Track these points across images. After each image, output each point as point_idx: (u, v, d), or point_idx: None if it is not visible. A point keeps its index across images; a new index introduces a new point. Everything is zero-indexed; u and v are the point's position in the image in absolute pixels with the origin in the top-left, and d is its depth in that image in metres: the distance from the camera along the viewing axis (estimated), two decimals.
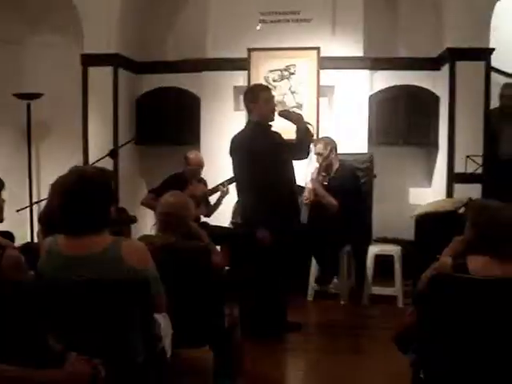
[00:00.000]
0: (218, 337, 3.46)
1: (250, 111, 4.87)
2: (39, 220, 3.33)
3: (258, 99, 4.75)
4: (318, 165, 5.79)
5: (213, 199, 6.06)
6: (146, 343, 2.50)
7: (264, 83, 6.51)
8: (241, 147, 4.73)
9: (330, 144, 5.79)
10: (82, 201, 2.40)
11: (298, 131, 4.82)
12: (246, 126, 4.93)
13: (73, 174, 2.47)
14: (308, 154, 5.04)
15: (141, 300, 2.43)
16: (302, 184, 5.94)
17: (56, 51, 7.45)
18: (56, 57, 7.45)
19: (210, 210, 6.07)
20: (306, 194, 5.76)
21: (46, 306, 2.41)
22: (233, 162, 4.81)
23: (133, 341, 2.42)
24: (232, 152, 4.77)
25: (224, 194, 5.84)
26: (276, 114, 4.80)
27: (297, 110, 6.46)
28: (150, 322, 2.61)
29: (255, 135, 4.74)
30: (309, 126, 4.87)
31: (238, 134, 4.89)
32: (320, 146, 5.76)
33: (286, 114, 4.84)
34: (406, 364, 2.86)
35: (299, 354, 4.64)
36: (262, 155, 4.62)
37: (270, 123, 4.81)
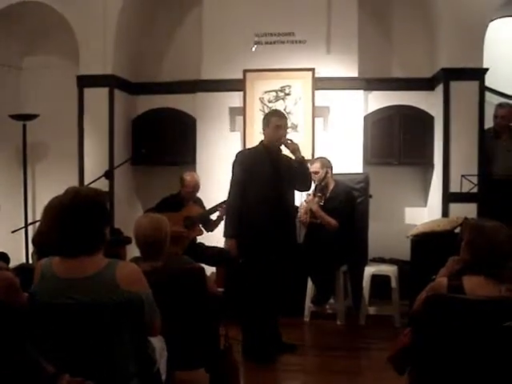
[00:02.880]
0: (213, 358, 3.44)
1: (263, 134, 5.01)
2: (33, 242, 3.31)
3: (269, 124, 4.91)
4: (313, 183, 5.79)
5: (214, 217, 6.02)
6: (140, 366, 2.48)
7: (259, 104, 6.59)
8: (234, 162, 4.92)
9: (326, 164, 5.81)
10: (76, 222, 2.39)
11: (295, 161, 4.97)
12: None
13: (68, 195, 2.46)
14: (309, 188, 5.16)
15: (135, 323, 2.41)
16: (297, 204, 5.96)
17: (52, 72, 7.47)
18: (52, 78, 7.47)
19: (211, 225, 6.00)
20: (301, 214, 5.76)
21: (39, 328, 2.40)
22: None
23: (126, 363, 2.40)
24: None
25: (222, 213, 5.78)
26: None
27: (292, 131, 6.53)
28: (145, 345, 2.59)
29: (254, 154, 4.94)
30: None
31: (243, 150, 5.13)
32: (317, 165, 5.78)
33: (284, 143, 4.93)
34: None
35: (295, 374, 4.61)
36: (250, 173, 4.82)
37: (279, 147, 4.95)
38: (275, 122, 4.88)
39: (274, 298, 4.88)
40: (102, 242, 2.46)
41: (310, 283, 5.89)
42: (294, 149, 4.90)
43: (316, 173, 5.75)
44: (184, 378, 3.80)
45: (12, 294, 2.52)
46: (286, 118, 5.04)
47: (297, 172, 4.92)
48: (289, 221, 4.96)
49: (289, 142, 4.92)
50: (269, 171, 4.83)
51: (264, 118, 5.01)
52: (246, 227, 4.76)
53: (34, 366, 2.20)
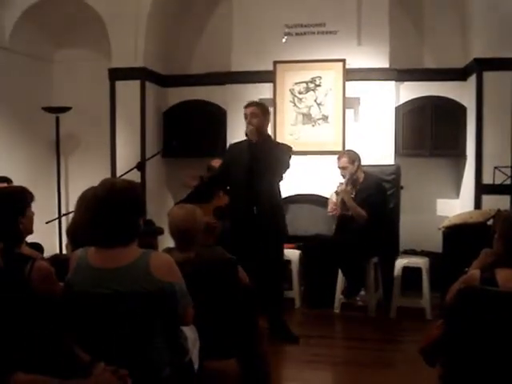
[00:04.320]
0: (245, 348, 3.46)
1: None
2: (67, 232, 3.36)
3: None
4: (342, 179, 5.77)
5: None
6: (173, 355, 2.51)
7: (290, 95, 6.61)
8: None
9: (355, 158, 5.77)
10: (112, 214, 2.43)
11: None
12: None
13: (104, 187, 2.50)
14: (277, 173, 4.99)
15: (167, 312, 2.44)
16: (327, 196, 5.98)
17: (84, 66, 7.58)
18: (84, 71, 7.57)
19: None
20: (331, 205, 5.77)
21: (74, 317, 2.44)
22: None
23: (159, 352, 2.43)
24: None
25: None
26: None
27: (323, 122, 6.54)
28: (177, 335, 2.62)
29: (237, 146, 5.18)
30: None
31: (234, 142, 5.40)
32: (344, 160, 5.75)
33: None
34: (433, 377, 2.84)
35: (325, 366, 4.62)
36: (229, 164, 5.12)
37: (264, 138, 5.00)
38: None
39: (266, 289, 4.90)
40: (137, 233, 2.50)
41: (340, 275, 5.88)
42: (250, 132, 4.90)
43: (344, 168, 5.73)
44: (215, 368, 3.84)
45: (48, 284, 2.57)
46: (252, 105, 5.04)
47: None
48: (265, 212, 4.91)
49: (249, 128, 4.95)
50: (244, 163, 4.89)
51: None
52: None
53: (69, 355, 2.24)
